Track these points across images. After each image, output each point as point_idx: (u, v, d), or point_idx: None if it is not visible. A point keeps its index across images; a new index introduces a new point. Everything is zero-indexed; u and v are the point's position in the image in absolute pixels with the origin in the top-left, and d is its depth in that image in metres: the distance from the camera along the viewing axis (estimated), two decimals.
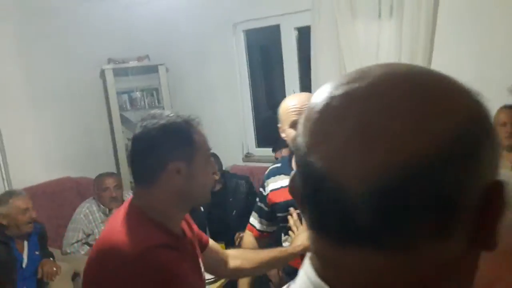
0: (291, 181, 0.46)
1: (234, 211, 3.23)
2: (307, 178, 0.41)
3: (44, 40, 3.61)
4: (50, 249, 2.88)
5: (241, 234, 3.12)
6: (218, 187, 3.22)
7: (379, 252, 0.38)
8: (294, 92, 3.68)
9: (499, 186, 0.38)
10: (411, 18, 2.79)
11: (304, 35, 3.55)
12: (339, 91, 0.40)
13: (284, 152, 3.13)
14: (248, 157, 4.06)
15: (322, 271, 0.43)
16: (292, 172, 0.47)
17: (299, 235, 1.58)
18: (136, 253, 0.99)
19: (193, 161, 1.12)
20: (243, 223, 3.18)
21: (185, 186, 1.11)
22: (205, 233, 3.24)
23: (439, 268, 0.38)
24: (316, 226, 0.42)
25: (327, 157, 0.38)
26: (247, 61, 3.95)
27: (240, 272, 1.50)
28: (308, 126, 0.42)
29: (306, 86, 3.58)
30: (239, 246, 3.05)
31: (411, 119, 0.36)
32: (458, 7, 2.78)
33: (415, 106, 0.37)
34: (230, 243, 3.08)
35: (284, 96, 3.76)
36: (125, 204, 1.15)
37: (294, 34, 3.63)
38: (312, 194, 0.40)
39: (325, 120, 0.40)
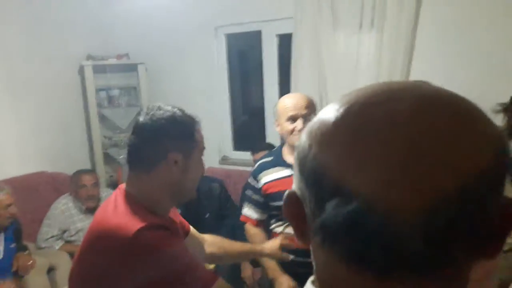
0: (289, 203, 0.44)
1: (208, 213, 3.24)
2: (341, 207, 0.37)
3: (23, 34, 3.57)
4: (25, 243, 2.84)
5: None
6: None
7: (425, 281, 0.37)
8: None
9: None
10: (392, 31, 2.85)
11: (285, 42, 3.61)
12: (378, 112, 0.39)
13: (262, 154, 3.19)
14: (224, 160, 4.10)
15: None
16: (287, 193, 0.44)
17: (271, 241, 1.75)
18: (131, 235, 1.04)
19: (190, 155, 1.19)
20: (217, 226, 3.24)
21: (178, 178, 1.18)
22: None
23: (468, 284, 0.40)
24: (349, 258, 0.39)
25: (371, 183, 0.36)
26: (227, 64, 4.00)
27: (215, 257, 1.61)
28: (338, 149, 0.39)
29: (285, 93, 3.60)
30: None
31: (458, 143, 0.36)
32: (439, 20, 2.84)
33: (461, 131, 0.37)
34: None
35: (262, 103, 3.87)
36: (117, 191, 1.20)
37: (275, 41, 3.69)
38: (348, 224, 0.37)
39: (364, 143, 0.37)
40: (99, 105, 4.05)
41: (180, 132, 1.18)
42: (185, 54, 4.03)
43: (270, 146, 3.28)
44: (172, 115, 1.17)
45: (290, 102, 1.90)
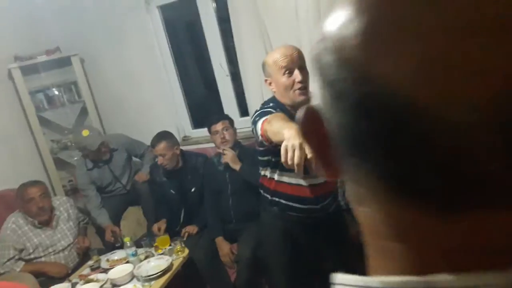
0: (306, 118, 0.33)
1: (193, 188, 3.18)
2: (383, 114, 0.27)
3: None
4: None
5: (187, 229, 3.02)
6: (180, 164, 3.16)
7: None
8: (222, 66, 3.52)
9: None
10: None
11: (221, 4, 3.33)
12: None
13: (219, 126, 2.99)
14: (185, 140, 3.86)
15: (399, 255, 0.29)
16: (304, 109, 0.34)
17: None
18: None
19: None
20: (201, 201, 3.14)
21: None
22: (180, 215, 3.14)
23: None
24: (398, 187, 0.28)
25: (407, 72, 0.25)
26: (167, 39, 3.70)
27: None
28: (369, 38, 0.27)
29: (232, 58, 3.42)
30: (186, 240, 2.96)
31: None
32: None
33: None
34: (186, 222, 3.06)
35: (213, 72, 3.61)
36: None
37: (211, 6, 3.42)
38: (397, 136, 0.26)
39: (406, 29, 0.25)
40: (39, 109, 3.72)
41: None
42: (120, 36, 3.71)
43: (229, 117, 3.10)
44: None
45: (282, 53, 1.73)
